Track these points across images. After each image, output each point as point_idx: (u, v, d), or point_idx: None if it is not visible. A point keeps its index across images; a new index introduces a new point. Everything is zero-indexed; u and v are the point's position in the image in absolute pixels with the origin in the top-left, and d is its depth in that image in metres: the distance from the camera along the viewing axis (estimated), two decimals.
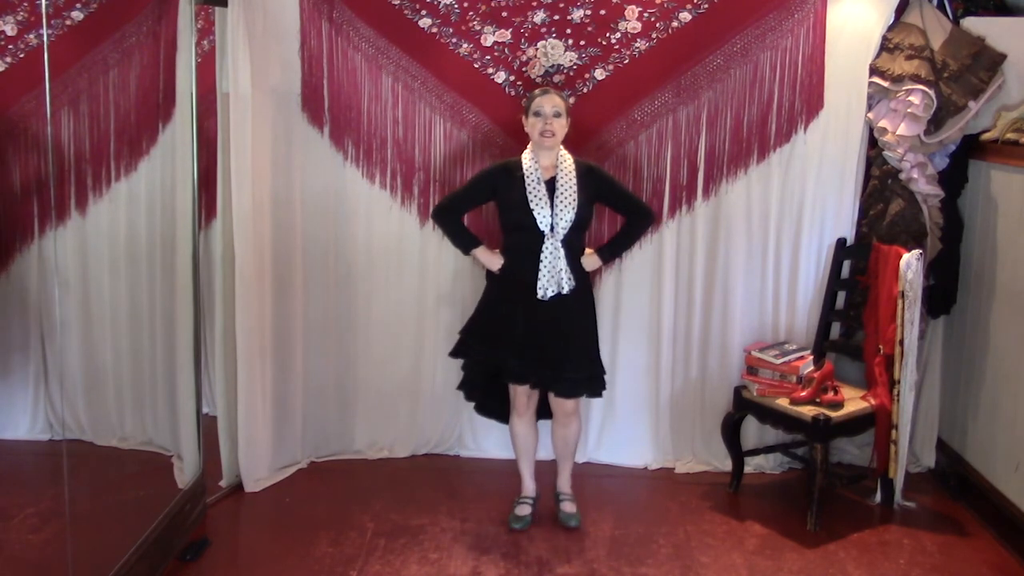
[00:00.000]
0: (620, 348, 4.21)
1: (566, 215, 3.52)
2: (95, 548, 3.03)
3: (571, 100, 3.93)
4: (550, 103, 3.54)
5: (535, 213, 3.51)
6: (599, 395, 3.79)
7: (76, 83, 3.74)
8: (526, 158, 3.59)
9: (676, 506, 3.94)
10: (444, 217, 3.73)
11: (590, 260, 3.67)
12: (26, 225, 3.89)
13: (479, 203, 3.81)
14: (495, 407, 3.86)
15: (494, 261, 3.66)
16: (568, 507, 3.81)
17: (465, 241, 3.71)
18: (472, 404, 3.93)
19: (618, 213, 3.83)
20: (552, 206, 3.52)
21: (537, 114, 3.54)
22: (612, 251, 3.76)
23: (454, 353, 3.79)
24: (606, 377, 3.76)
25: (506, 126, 4.05)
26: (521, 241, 3.58)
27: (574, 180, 3.55)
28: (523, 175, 3.55)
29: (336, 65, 4.06)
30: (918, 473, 4.23)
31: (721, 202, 4.11)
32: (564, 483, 3.86)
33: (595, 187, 3.62)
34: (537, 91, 3.62)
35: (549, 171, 3.58)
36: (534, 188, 3.53)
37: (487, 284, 3.76)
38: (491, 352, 3.66)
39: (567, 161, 3.59)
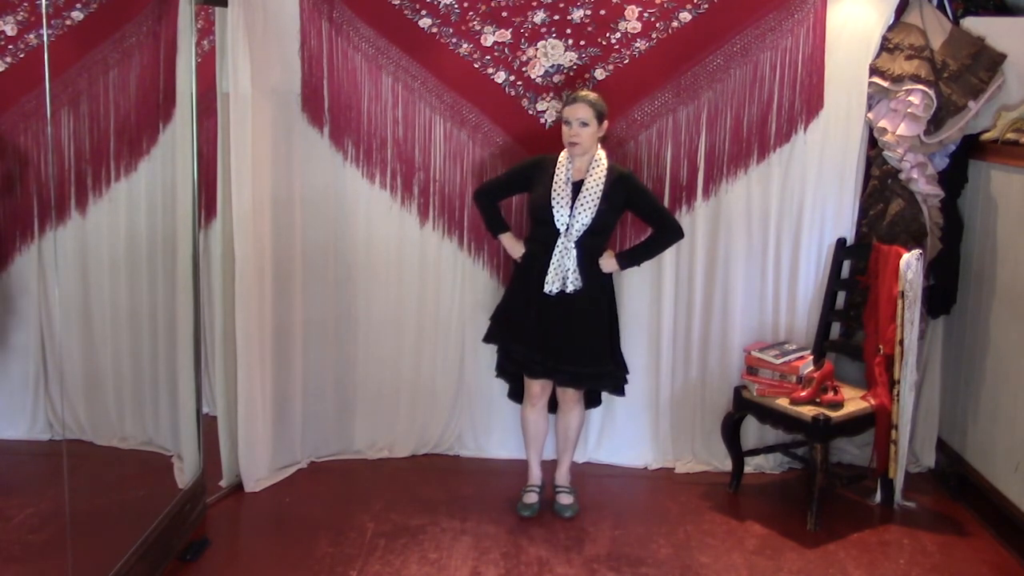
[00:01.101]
0: (620, 348, 4.21)
1: (582, 218, 3.59)
2: (95, 548, 3.03)
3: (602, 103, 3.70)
4: (577, 114, 3.60)
5: (554, 212, 3.60)
6: (619, 392, 3.89)
7: (76, 83, 3.74)
8: (562, 156, 3.68)
9: (676, 506, 3.94)
10: (482, 199, 3.86)
11: (608, 262, 3.72)
12: (26, 225, 3.90)
13: (514, 191, 3.91)
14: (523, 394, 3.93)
15: (516, 249, 3.80)
16: (564, 499, 3.85)
17: (495, 225, 3.85)
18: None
19: (645, 223, 3.85)
20: (572, 207, 3.58)
21: (567, 123, 3.62)
22: (632, 258, 3.79)
23: (486, 339, 3.90)
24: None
25: (506, 126, 4.06)
26: (540, 235, 3.68)
27: (600, 186, 3.61)
28: (554, 172, 3.64)
29: (336, 65, 4.06)
30: (918, 473, 4.23)
31: (721, 202, 4.11)
32: (562, 476, 3.92)
33: (624, 195, 3.66)
34: (568, 97, 3.67)
35: (580, 173, 3.65)
36: (559, 188, 3.62)
37: (512, 272, 3.89)
38: (509, 339, 3.77)
39: (600, 167, 3.64)
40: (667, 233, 3.75)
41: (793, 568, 3.45)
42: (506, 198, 3.93)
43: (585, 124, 3.59)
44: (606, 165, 3.65)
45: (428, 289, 4.26)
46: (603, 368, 3.75)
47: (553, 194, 3.61)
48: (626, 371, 3.86)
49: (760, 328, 4.20)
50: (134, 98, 3.85)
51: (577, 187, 3.62)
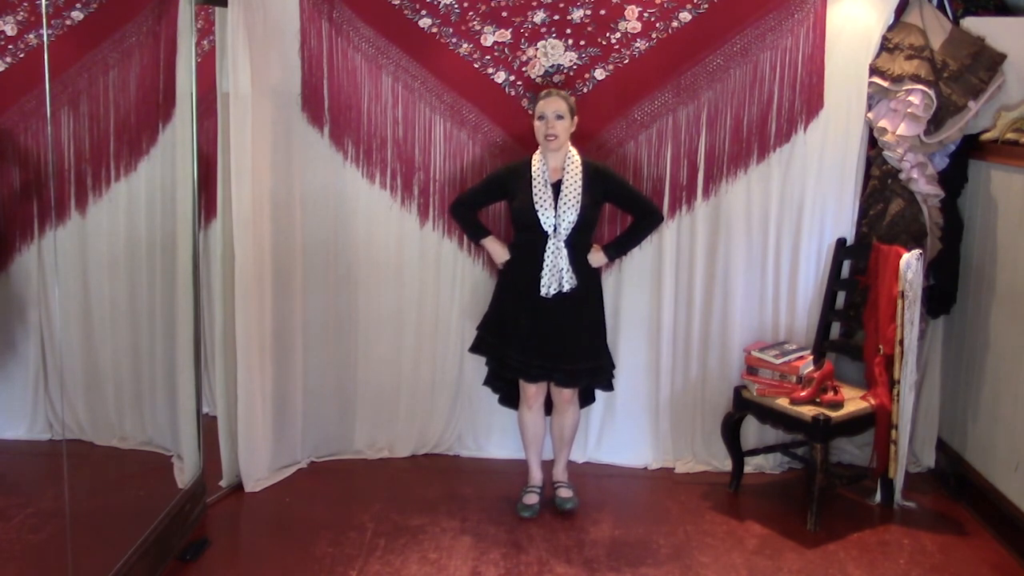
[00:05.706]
0: (620, 348, 4.21)
1: (568, 217, 3.60)
2: (95, 548, 3.03)
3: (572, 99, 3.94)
4: (551, 107, 3.63)
5: (539, 215, 3.62)
6: (608, 387, 3.91)
7: (76, 83, 3.75)
8: (535, 159, 3.70)
9: (676, 506, 3.94)
10: (459, 210, 3.88)
11: (596, 256, 3.75)
12: (26, 225, 3.90)
13: (491, 201, 3.93)
14: (517, 399, 3.93)
15: (501, 254, 3.80)
16: (564, 492, 3.88)
17: (476, 232, 3.88)
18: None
19: (626, 213, 3.87)
20: (556, 208, 3.58)
21: (541, 118, 3.64)
22: (618, 248, 3.84)
23: (473, 349, 3.90)
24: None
25: (506, 126, 4.06)
26: (527, 240, 3.69)
27: (579, 183, 3.63)
28: (531, 177, 3.63)
29: (336, 65, 4.06)
30: (918, 473, 4.23)
31: (721, 202, 4.11)
32: (560, 472, 3.94)
33: (603, 188, 3.69)
34: (541, 94, 3.71)
35: (556, 173, 3.67)
36: (539, 190, 3.63)
37: (498, 279, 3.91)
38: (501, 346, 3.77)
39: (575, 163, 3.66)
40: (649, 218, 3.79)
41: (793, 568, 3.45)
42: (483, 207, 3.94)
43: (560, 117, 3.62)
44: (580, 161, 3.68)
45: (428, 289, 4.26)
46: (598, 362, 3.78)
47: (535, 197, 3.62)
48: (611, 364, 3.89)
49: (760, 328, 4.20)
50: (134, 98, 3.85)
51: (556, 187, 3.64)
